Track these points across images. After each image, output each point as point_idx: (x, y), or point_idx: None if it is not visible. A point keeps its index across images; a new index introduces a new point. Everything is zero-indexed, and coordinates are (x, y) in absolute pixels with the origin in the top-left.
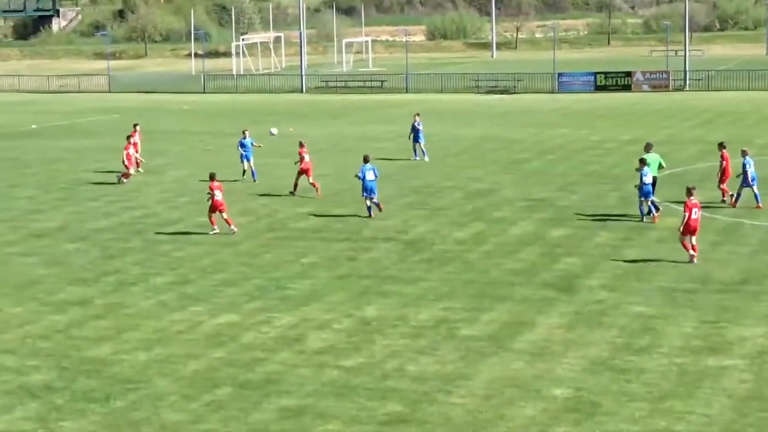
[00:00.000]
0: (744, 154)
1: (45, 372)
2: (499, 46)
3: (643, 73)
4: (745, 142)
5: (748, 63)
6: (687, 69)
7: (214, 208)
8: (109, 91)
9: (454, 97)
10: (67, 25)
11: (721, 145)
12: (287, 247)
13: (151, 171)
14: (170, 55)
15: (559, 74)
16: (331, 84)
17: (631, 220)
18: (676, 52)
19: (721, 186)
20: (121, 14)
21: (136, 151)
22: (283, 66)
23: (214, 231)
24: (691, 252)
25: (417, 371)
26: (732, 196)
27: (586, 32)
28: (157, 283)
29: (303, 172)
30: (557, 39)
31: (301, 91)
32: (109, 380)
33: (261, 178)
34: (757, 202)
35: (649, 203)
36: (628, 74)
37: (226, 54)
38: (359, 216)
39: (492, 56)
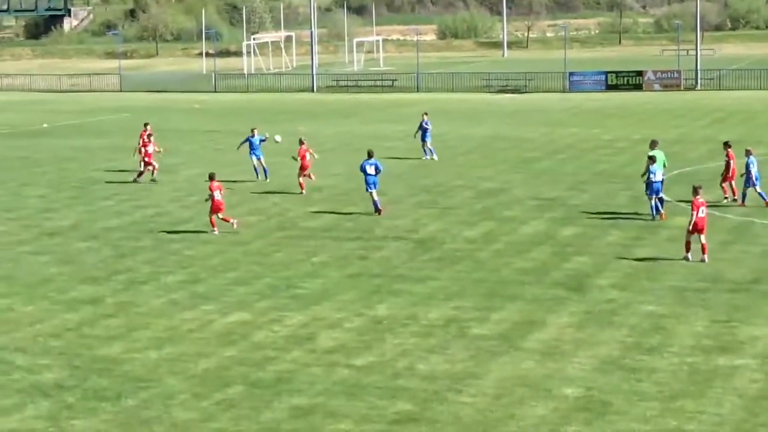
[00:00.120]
0: (748, 153)
1: (56, 370)
2: (510, 45)
3: (655, 72)
4: (756, 141)
5: (760, 62)
6: (698, 68)
7: (215, 208)
8: (121, 91)
9: (465, 97)
10: (78, 24)
11: (727, 144)
12: (298, 246)
13: (163, 170)
14: (181, 54)
15: (570, 73)
16: (341, 83)
17: (642, 219)
18: (688, 51)
19: (723, 185)
20: (132, 14)
21: (138, 150)
22: (294, 65)
23: (214, 232)
24: (687, 254)
25: (427, 370)
26: (737, 197)
27: (597, 31)
28: (168, 281)
29: (303, 169)
30: (568, 38)
31: (312, 91)
32: (120, 379)
33: (271, 177)
34: (765, 199)
35: (656, 201)
36: (640, 73)
37: (237, 53)
38: (369, 215)
39: (503, 55)
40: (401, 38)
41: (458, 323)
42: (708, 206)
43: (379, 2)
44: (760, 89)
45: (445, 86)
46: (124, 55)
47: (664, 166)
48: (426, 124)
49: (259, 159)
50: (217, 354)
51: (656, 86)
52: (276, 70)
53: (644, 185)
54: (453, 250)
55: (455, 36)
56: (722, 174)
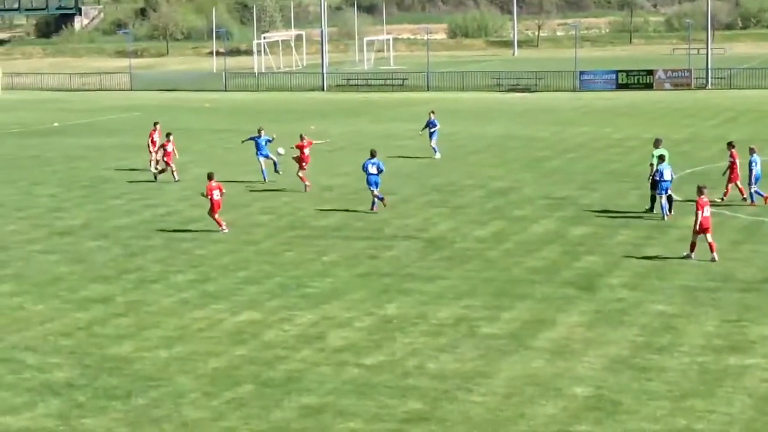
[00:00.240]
0: (752, 152)
1: (67, 369)
2: (521, 44)
3: (665, 71)
4: (767, 140)
5: None
6: (709, 67)
7: (213, 208)
8: (131, 89)
9: (476, 96)
10: (89, 23)
11: (730, 145)
12: (308, 246)
13: (169, 169)
14: (192, 53)
15: (581, 72)
16: (352, 82)
17: (652, 219)
18: (699, 50)
19: (729, 186)
20: (142, 12)
21: (155, 150)
22: (305, 64)
23: (223, 230)
24: (691, 254)
25: (437, 369)
26: (744, 199)
27: (607, 30)
28: (178, 280)
29: (301, 162)
30: (579, 37)
31: (323, 89)
32: (130, 378)
33: (282, 177)
34: (752, 199)
35: (664, 200)
36: (650, 72)
37: (248, 52)
38: (378, 214)
39: (513, 54)
40: (411, 37)
41: (468, 322)
42: (722, 206)
43: (389, 1)
44: None
45: (456, 85)
46: (135, 54)
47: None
48: (434, 122)
49: (267, 157)
50: (228, 353)
51: (667, 85)
52: (286, 69)
53: (650, 184)
54: (463, 249)
55: (465, 35)
56: (727, 174)
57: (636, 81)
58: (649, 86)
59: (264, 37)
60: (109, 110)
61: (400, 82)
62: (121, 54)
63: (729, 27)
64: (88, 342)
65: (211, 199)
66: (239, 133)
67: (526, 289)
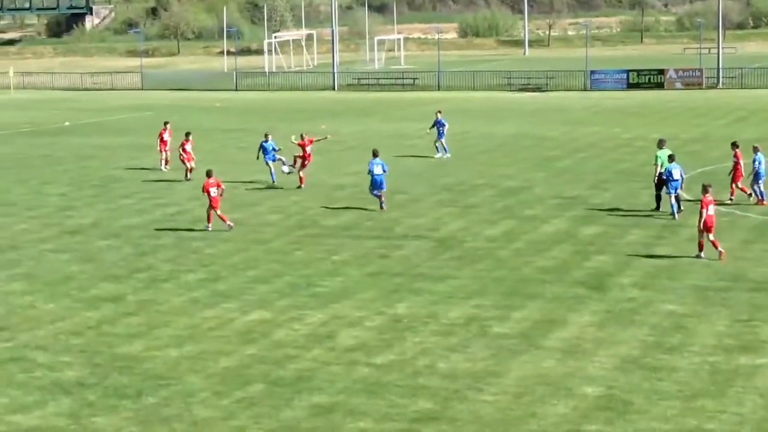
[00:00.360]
0: (756, 150)
1: (77, 368)
2: (532, 43)
3: (676, 70)
4: None
5: None
6: (720, 67)
7: (211, 205)
8: (142, 89)
9: (486, 95)
10: (100, 22)
11: (734, 145)
12: (318, 245)
13: (182, 168)
14: (203, 52)
15: (592, 72)
16: (363, 81)
17: (663, 218)
18: (710, 49)
19: (733, 185)
20: (153, 12)
21: (166, 149)
22: (315, 63)
23: (229, 224)
24: (717, 251)
25: (448, 369)
26: (750, 195)
27: (618, 30)
28: (188, 279)
29: (303, 159)
30: (590, 36)
31: (333, 89)
32: (140, 376)
33: (291, 176)
34: (758, 197)
35: (673, 199)
36: (661, 72)
37: (259, 51)
38: (383, 212)
39: (524, 54)
40: (422, 36)
41: (479, 322)
42: (732, 206)
43: (400, 1)
44: None
45: (466, 85)
46: (146, 54)
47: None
48: (440, 121)
49: (274, 161)
50: (238, 352)
51: (678, 85)
52: (297, 69)
53: (656, 184)
54: (474, 248)
55: (476, 34)
56: (731, 174)
57: (647, 80)
58: (660, 86)
59: (275, 37)
60: (119, 110)
61: (411, 81)
62: (132, 53)
63: (740, 26)
64: (99, 341)
65: (209, 196)
66: (250, 133)
67: (536, 289)
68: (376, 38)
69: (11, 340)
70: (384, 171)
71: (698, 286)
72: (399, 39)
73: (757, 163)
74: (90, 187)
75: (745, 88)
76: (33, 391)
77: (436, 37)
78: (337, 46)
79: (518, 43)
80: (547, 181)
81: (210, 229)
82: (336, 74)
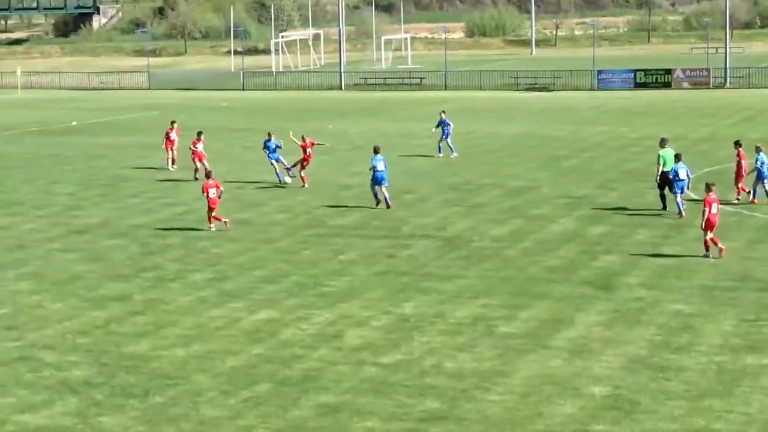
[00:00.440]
0: (758, 150)
1: (84, 367)
2: (539, 43)
3: (684, 70)
4: None
5: None
6: (727, 66)
7: (211, 205)
8: (149, 88)
9: (493, 95)
10: (107, 22)
11: (737, 144)
12: (325, 244)
13: (191, 167)
14: (210, 52)
15: (599, 71)
16: (369, 81)
17: (670, 218)
18: (717, 49)
19: (738, 185)
20: (161, 11)
21: (173, 148)
22: (322, 63)
23: (226, 221)
24: (717, 247)
25: (455, 368)
26: (749, 193)
27: (626, 29)
28: (195, 279)
29: (303, 160)
30: (597, 36)
31: (340, 88)
32: (147, 376)
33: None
34: (754, 196)
35: (680, 198)
36: (668, 71)
37: (266, 51)
38: (395, 212)
39: (531, 53)
40: (429, 36)
41: (486, 321)
42: (740, 206)
43: (407, 0)
44: None
45: (473, 84)
46: (153, 53)
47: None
48: (444, 121)
49: (278, 161)
50: (245, 351)
51: (685, 84)
52: (304, 68)
53: (658, 184)
54: (481, 248)
55: (483, 34)
56: (735, 174)
57: (654, 80)
58: (667, 85)
59: (282, 36)
60: (127, 109)
61: (418, 81)
62: (140, 53)
63: (747, 26)
64: (106, 340)
65: (207, 197)
66: (257, 132)
67: (543, 288)
68: (383, 38)
69: (19, 340)
70: (385, 167)
71: (705, 286)
72: (406, 38)
73: (759, 163)
74: (97, 186)
75: (752, 88)
76: (40, 391)
77: (443, 36)
78: (344, 46)
79: (525, 43)
80: (554, 181)
81: (213, 229)
82: (343, 74)
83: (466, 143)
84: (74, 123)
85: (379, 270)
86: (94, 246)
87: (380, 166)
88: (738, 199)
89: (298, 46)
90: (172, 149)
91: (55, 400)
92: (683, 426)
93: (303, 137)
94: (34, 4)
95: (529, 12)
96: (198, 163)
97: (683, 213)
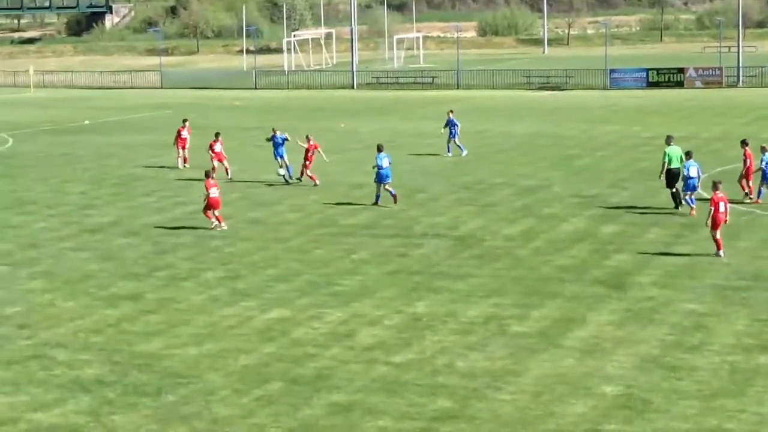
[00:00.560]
0: (763, 150)
1: (97, 366)
2: (551, 42)
3: (696, 69)
4: None
5: None
6: (740, 65)
7: (209, 205)
8: (161, 87)
9: (506, 94)
10: (119, 21)
11: (744, 143)
12: (337, 243)
13: (202, 166)
14: (222, 51)
15: (611, 71)
16: (382, 80)
17: (682, 217)
18: (730, 48)
19: (744, 183)
20: (173, 11)
21: (184, 147)
22: (334, 62)
23: (214, 224)
24: (719, 251)
25: (466, 367)
26: (747, 193)
27: (638, 28)
28: (208, 278)
29: (305, 160)
30: (609, 35)
31: (352, 87)
32: (160, 374)
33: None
34: (758, 196)
35: (687, 197)
36: (681, 70)
37: (278, 50)
38: (407, 211)
39: (543, 52)
40: (441, 35)
41: (498, 320)
42: (753, 205)
43: None
44: None
45: (486, 83)
46: (165, 52)
47: (681, 161)
48: (452, 121)
49: (282, 157)
50: (257, 350)
51: (698, 83)
52: (316, 67)
53: (665, 182)
54: (493, 247)
55: (496, 33)
56: (742, 173)
57: (666, 79)
58: (679, 84)
59: (294, 35)
60: (139, 108)
61: (430, 80)
62: (152, 52)
63: (760, 25)
64: (118, 339)
65: (209, 196)
66: (269, 131)
67: (555, 288)
68: (395, 37)
69: (31, 338)
70: (389, 164)
71: (718, 285)
72: (418, 37)
73: (764, 163)
74: (110, 185)
75: (765, 87)
76: (53, 389)
77: (455, 35)
78: (356, 45)
79: (537, 42)
80: (566, 180)
81: (225, 227)
82: (355, 73)
83: (478, 142)
84: (87, 122)
85: (391, 269)
86: (107, 245)
87: (384, 164)
88: (750, 197)
89: (311, 45)
90: (183, 148)
91: (68, 399)
92: (695, 425)
93: (307, 137)
94: (47, 4)
95: (541, 11)
96: (216, 164)
97: (692, 210)
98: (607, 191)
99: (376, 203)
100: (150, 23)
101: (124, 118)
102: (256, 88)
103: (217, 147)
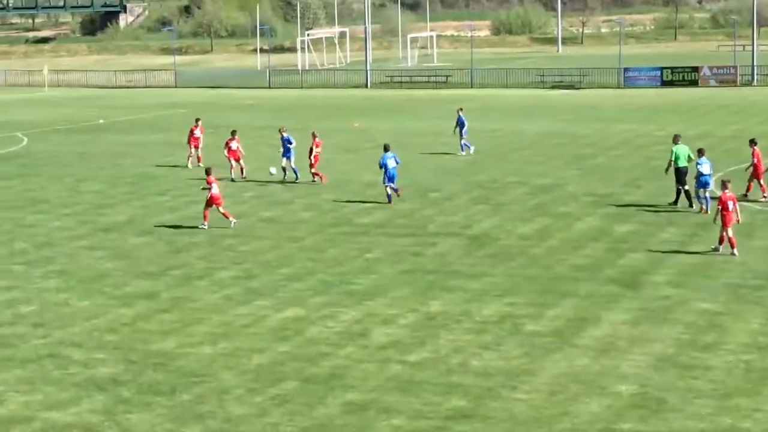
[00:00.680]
0: None
1: (112, 365)
2: (565, 41)
3: (711, 68)
4: None
5: None
6: (755, 64)
7: (210, 202)
8: (176, 86)
9: (519, 92)
10: (133, 20)
11: (753, 142)
12: (352, 242)
13: (216, 166)
14: (236, 50)
15: (625, 69)
16: (395, 79)
17: (697, 216)
18: (744, 46)
19: (761, 183)
20: (187, 10)
21: (197, 146)
22: (348, 61)
23: (204, 225)
24: (734, 250)
25: (481, 366)
26: (766, 193)
27: (652, 27)
28: (222, 277)
29: (309, 156)
30: (623, 34)
31: (366, 86)
32: (174, 373)
33: (325, 172)
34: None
35: (700, 195)
36: (695, 69)
37: (292, 49)
38: (421, 210)
39: (557, 51)
40: (455, 34)
41: (512, 320)
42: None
43: None
44: None
45: (500, 82)
46: (179, 51)
47: (689, 160)
48: (461, 118)
49: (288, 159)
50: (271, 349)
51: (712, 82)
52: (330, 66)
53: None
54: (507, 246)
55: (509, 32)
56: (750, 172)
57: (681, 78)
58: (694, 83)
59: (308, 34)
60: (153, 107)
61: (444, 79)
62: (166, 51)
63: None
64: (133, 338)
65: (210, 193)
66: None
67: (570, 287)
68: (409, 36)
69: (46, 337)
70: (397, 163)
71: (732, 284)
72: (432, 36)
73: None
74: (124, 184)
75: None
76: (68, 388)
77: (469, 34)
78: (370, 44)
79: (551, 41)
80: (580, 179)
81: (235, 222)
82: (369, 72)
83: (492, 141)
84: (101, 121)
85: (405, 268)
86: (121, 244)
87: (391, 164)
88: (765, 196)
89: (324, 44)
90: (197, 147)
91: (83, 398)
92: (711, 425)
93: (313, 134)
94: (61, 3)
95: (555, 9)
96: (234, 162)
97: (703, 208)
98: (622, 190)
99: (389, 202)
100: (164, 22)
101: (138, 117)
102: (270, 87)
103: (234, 145)
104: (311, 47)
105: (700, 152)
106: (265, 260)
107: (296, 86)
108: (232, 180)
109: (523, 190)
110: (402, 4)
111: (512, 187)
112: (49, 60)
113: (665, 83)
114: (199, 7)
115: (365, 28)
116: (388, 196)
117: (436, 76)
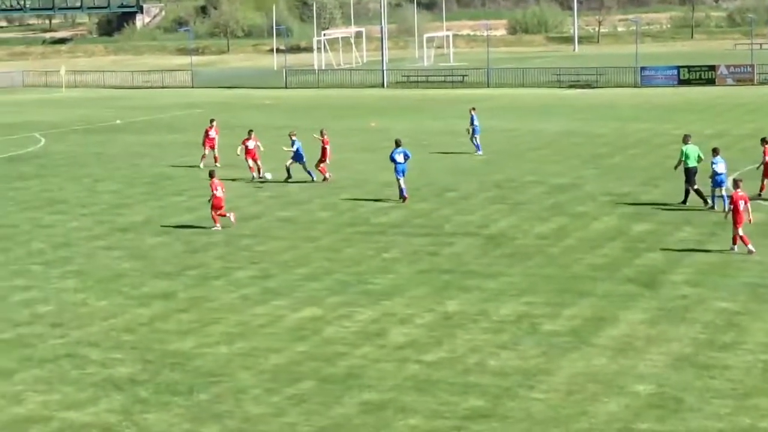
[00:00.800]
0: None
1: (129, 365)
2: (581, 40)
3: (728, 66)
4: None
5: None
6: None
7: (215, 205)
8: (192, 87)
9: (536, 92)
10: (150, 21)
11: (765, 141)
12: (368, 242)
13: (233, 165)
14: (252, 50)
15: (642, 68)
16: (412, 79)
17: (714, 215)
18: (761, 45)
19: (764, 181)
20: (203, 10)
21: (212, 146)
22: (365, 61)
23: (216, 227)
24: (750, 248)
25: (498, 366)
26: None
27: (669, 26)
28: (239, 277)
29: (322, 155)
30: (640, 33)
31: (383, 86)
32: (192, 373)
33: (340, 172)
34: None
35: (715, 194)
36: (712, 68)
37: (308, 49)
38: (438, 210)
39: (574, 50)
40: (471, 33)
41: (529, 319)
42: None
43: None
44: None
45: (516, 81)
46: (196, 52)
47: (699, 160)
48: (473, 118)
49: (301, 162)
50: (289, 349)
51: (729, 81)
52: (346, 66)
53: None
54: (524, 245)
55: (526, 31)
56: (763, 170)
57: (698, 76)
58: (710, 82)
59: (324, 34)
60: (170, 107)
61: (460, 78)
62: (183, 51)
63: None
64: (150, 338)
65: (214, 196)
66: (299, 131)
67: (587, 286)
68: (425, 35)
69: (64, 337)
70: (407, 158)
71: (751, 284)
72: (448, 36)
73: None
74: (141, 184)
75: None
76: (86, 388)
77: (485, 33)
78: (386, 44)
79: (568, 40)
80: (598, 178)
81: (234, 219)
82: (385, 71)
83: (508, 140)
84: (118, 121)
85: (422, 268)
86: (138, 244)
87: (400, 159)
88: (760, 194)
89: (341, 44)
90: (212, 147)
91: (100, 397)
92: (729, 424)
93: (322, 131)
94: (78, 4)
95: (571, 9)
96: (251, 162)
97: (715, 206)
98: (639, 189)
99: (400, 196)
100: (180, 23)
101: (155, 118)
102: (286, 87)
103: (251, 144)
104: (327, 47)
105: (715, 151)
106: (282, 260)
107: (313, 86)
108: (255, 179)
109: (540, 190)
110: (418, 4)
111: (529, 187)
112: (66, 61)
113: (682, 82)
114: (215, 8)
115: (381, 27)
116: (401, 190)
117: (452, 75)
